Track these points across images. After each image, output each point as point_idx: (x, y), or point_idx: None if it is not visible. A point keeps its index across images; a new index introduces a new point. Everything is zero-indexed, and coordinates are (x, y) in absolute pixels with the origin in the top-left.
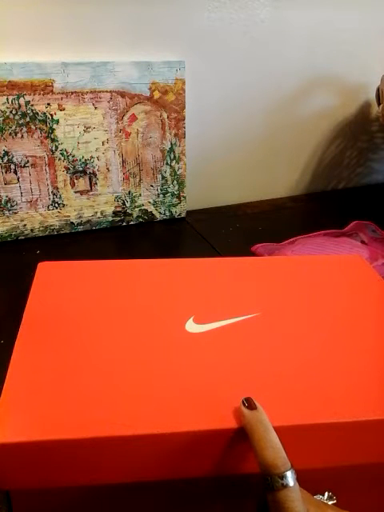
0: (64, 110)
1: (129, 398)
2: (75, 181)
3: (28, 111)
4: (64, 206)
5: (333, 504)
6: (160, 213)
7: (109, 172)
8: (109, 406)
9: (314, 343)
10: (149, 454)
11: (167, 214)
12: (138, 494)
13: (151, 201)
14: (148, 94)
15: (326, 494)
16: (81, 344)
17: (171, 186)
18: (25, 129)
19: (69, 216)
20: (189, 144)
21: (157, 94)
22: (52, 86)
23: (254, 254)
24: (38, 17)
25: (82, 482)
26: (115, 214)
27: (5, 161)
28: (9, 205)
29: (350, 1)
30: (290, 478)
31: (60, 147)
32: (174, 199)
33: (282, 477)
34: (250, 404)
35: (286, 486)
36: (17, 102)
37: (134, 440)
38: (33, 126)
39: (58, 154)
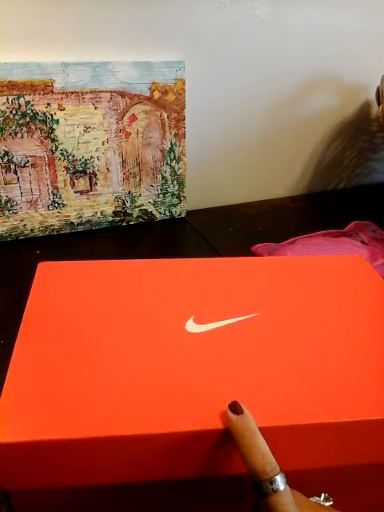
0: (64, 109)
1: (129, 398)
2: (75, 181)
3: (28, 111)
4: (64, 206)
5: (329, 505)
6: (160, 213)
7: (109, 172)
8: (109, 406)
9: (313, 343)
10: (149, 454)
11: (167, 214)
12: (138, 494)
13: (151, 201)
14: (148, 94)
15: (323, 495)
16: (81, 344)
17: (171, 186)
18: (25, 129)
19: (69, 216)
20: (189, 144)
21: (157, 94)
22: (52, 86)
23: (254, 254)
24: (38, 17)
25: (82, 482)
26: (115, 213)
27: (5, 161)
28: (9, 205)
29: (350, 1)
30: (280, 483)
31: (60, 147)
32: (174, 199)
33: (272, 482)
34: (235, 409)
35: (276, 491)
36: (17, 102)
37: (134, 440)
38: (33, 126)
39: (58, 154)
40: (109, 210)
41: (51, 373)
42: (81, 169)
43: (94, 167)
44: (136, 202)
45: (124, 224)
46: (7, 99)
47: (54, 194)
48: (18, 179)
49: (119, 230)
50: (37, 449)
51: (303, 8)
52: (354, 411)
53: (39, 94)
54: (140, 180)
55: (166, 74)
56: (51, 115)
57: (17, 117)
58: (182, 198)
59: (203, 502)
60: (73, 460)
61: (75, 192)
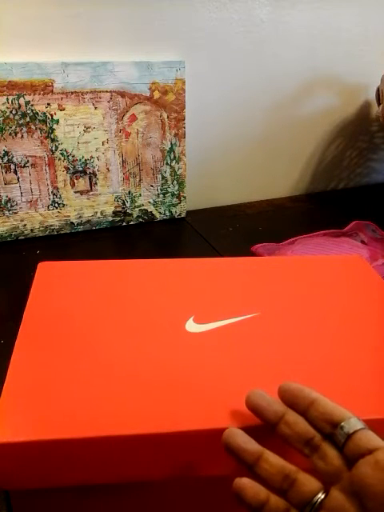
0: (64, 109)
1: (129, 398)
2: (75, 181)
3: (28, 111)
4: (64, 205)
5: None
6: (160, 213)
7: (109, 172)
8: (109, 405)
9: (313, 343)
10: (148, 454)
11: (167, 214)
12: (138, 494)
13: (151, 201)
14: (148, 94)
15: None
16: (81, 344)
17: (171, 185)
18: (25, 129)
19: (69, 216)
20: (189, 144)
21: (157, 94)
22: (52, 86)
23: (254, 254)
24: (38, 17)
25: (82, 482)
26: (115, 214)
27: (5, 161)
28: (9, 205)
29: (350, 1)
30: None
31: (60, 147)
32: (174, 199)
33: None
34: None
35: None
36: (17, 102)
37: (134, 440)
38: (33, 126)
39: (58, 153)
40: (109, 209)
41: (51, 372)
42: (81, 169)
43: (94, 167)
44: (136, 202)
45: (124, 224)
46: (7, 99)
47: (53, 194)
48: (18, 179)
49: (119, 230)
50: (37, 449)
51: (303, 8)
52: (353, 411)
53: (39, 94)
54: (140, 180)
55: (165, 73)
56: (51, 115)
57: (17, 117)
58: (182, 198)
59: (203, 501)
60: (73, 460)
61: (75, 192)
